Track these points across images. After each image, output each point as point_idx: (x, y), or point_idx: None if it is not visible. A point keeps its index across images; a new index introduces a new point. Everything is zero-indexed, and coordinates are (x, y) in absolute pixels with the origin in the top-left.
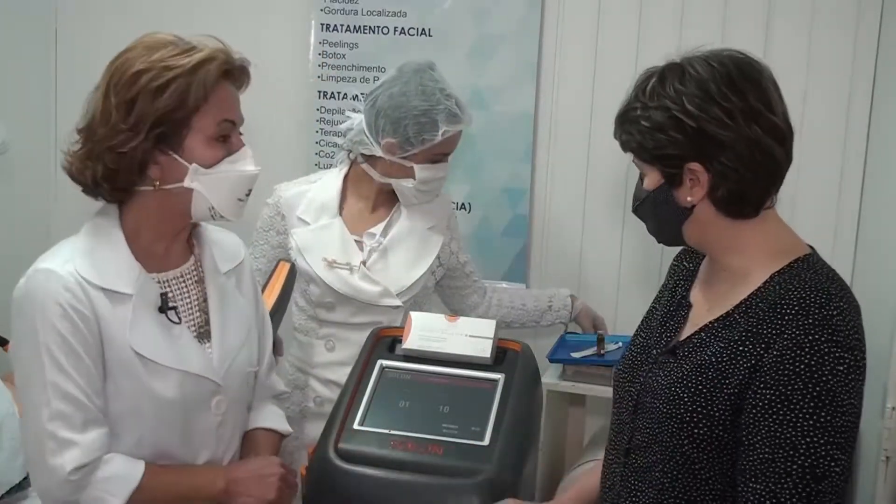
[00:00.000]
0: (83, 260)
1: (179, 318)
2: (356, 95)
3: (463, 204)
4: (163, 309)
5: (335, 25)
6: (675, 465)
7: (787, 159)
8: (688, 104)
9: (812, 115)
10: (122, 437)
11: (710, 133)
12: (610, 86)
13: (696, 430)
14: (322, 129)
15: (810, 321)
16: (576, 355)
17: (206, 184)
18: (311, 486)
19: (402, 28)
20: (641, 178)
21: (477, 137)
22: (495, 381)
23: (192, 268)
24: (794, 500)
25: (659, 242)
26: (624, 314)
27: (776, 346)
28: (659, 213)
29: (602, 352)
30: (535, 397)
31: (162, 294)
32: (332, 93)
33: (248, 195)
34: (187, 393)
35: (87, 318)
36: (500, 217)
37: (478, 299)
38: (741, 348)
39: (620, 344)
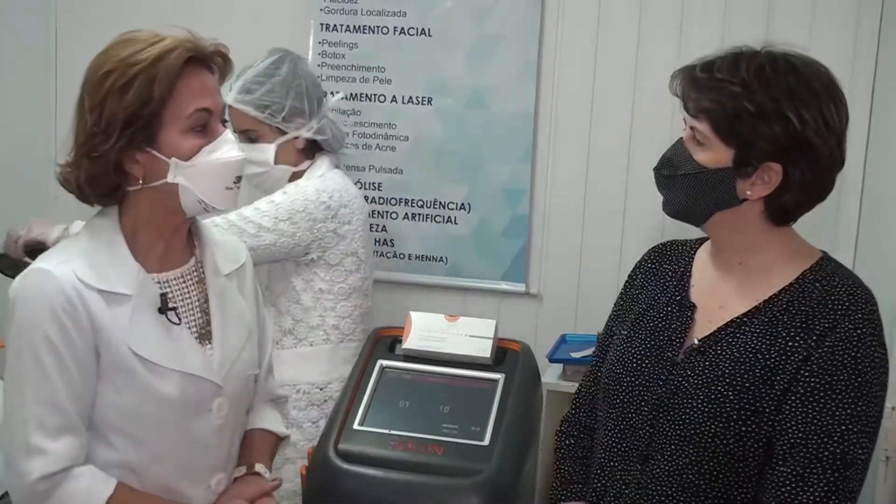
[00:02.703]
0: (81, 261)
1: (179, 319)
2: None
3: (462, 204)
4: (163, 310)
5: (335, 25)
6: (716, 465)
7: (833, 185)
8: (799, 104)
9: None
10: (120, 440)
11: (810, 140)
12: (610, 86)
13: (743, 428)
14: None
15: (860, 316)
16: (576, 355)
17: (189, 176)
18: (311, 486)
19: (402, 28)
20: (684, 147)
21: (477, 137)
22: (495, 381)
23: (193, 268)
24: (822, 484)
25: (672, 215)
26: None
27: (829, 339)
28: (702, 192)
29: None
30: (535, 397)
31: (162, 295)
32: (332, 92)
33: (236, 183)
34: (187, 394)
35: (79, 322)
36: (500, 217)
37: None
38: (791, 343)
39: None
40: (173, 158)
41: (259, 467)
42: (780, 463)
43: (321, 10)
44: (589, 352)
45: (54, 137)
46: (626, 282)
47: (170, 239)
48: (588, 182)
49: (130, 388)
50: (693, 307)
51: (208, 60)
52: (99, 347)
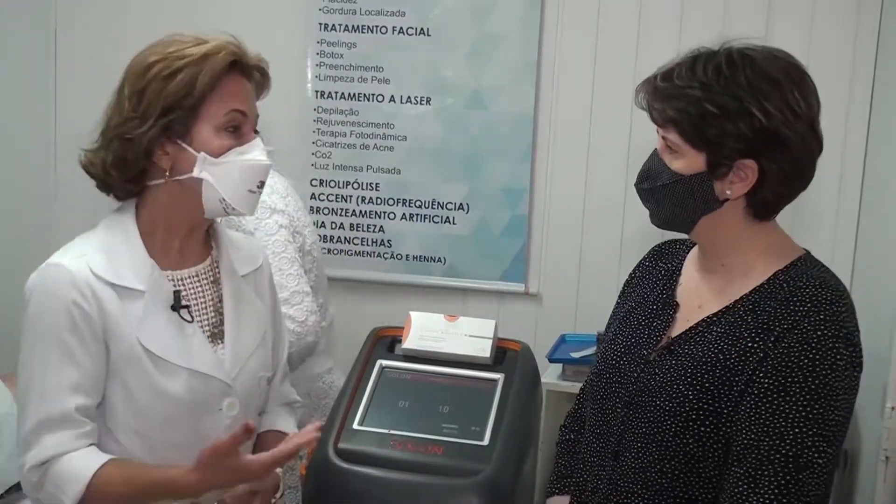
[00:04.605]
0: (97, 255)
1: (192, 317)
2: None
3: (462, 204)
4: (175, 307)
5: (333, 25)
6: (677, 465)
7: (815, 171)
8: (762, 98)
9: None
10: (128, 437)
11: (777, 132)
12: (610, 86)
13: (701, 428)
14: (319, 129)
15: (822, 317)
16: (575, 355)
17: (215, 174)
18: (310, 486)
19: (401, 28)
20: (659, 158)
21: (476, 137)
22: (495, 380)
23: (209, 268)
24: (773, 486)
25: (661, 226)
26: None
27: (787, 340)
28: (683, 200)
29: None
30: (535, 397)
31: (175, 292)
32: (330, 92)
33: (259, 187)
34: (196, 392)
35: (89, 317)
36: (499, 217)
37: None
38: (750, 344)
39: None
40: (202, 153)
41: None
42: (735, 464)
43: (320, 9)
44: (589, 352)
45: (54, 137)
46: (626, 280)
47: (186, 238)
48: (588, 182)
49: (139, 384)
50: (676, 306)
51: (248, 68)
52: (109, 343)
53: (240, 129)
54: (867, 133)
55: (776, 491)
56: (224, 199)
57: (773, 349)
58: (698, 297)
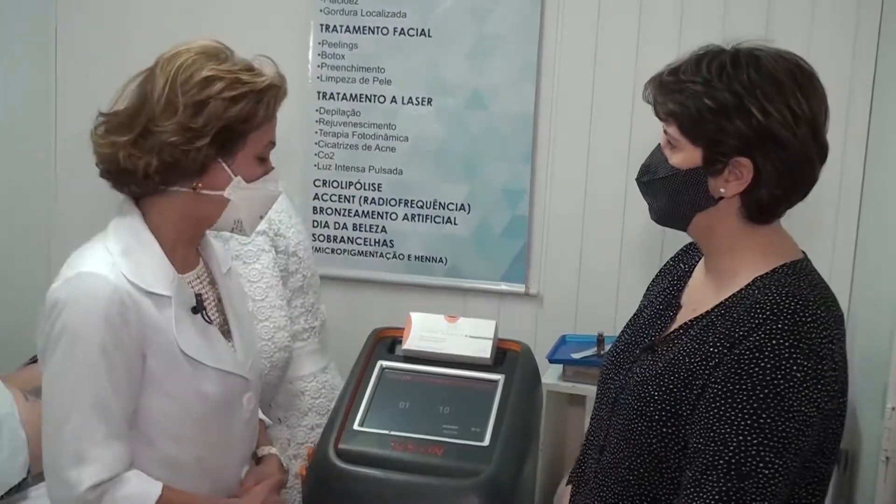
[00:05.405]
0: (126, 262)
1: (210, 318)
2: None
3: (462, 205)
4: (196, 309)
5: (335, 26)
6: (643, 463)
7: (816, 179)
8: (762, 97)
9: None
10: (164, 441)
11: (775, 133)
12: (610, 86)
13: (663, 429)
14: (321, 130)
15: (779, 326)
16: (576, 356)
17: (241, 197)
18: (311, 487)
19: (402, 28)
20: (661, 153)
21: (476, 138)
22: (495, 381)
23: (203, 270)
24: (714, 492)
25: (658, 222)
26: (624, 315)
27: (739, 347)
28: (679, 195)
29: (602, 352)
30: (535, 398)
31: (197, 295)
32: (332, 93)
33: (266, 213)
34: (226, 391)
35: (129, 325)
36: (500, 218)
37: None
38: (711, 349)
39: None
40: (238, 177)
41: (273, 449)
42: (688, 466)
43: (321, 10)
44: (589, 352)
45: (54, 137)
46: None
47: (188, 243)
48: (588, 182)
49: (180, 388)
50: (678, 307)
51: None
52: (146, 351)
53: (267, 159)
54: (867, 133)
55: (716, 497)
56: (239, 221)
57: (728, 355)
58: (697, 299)
